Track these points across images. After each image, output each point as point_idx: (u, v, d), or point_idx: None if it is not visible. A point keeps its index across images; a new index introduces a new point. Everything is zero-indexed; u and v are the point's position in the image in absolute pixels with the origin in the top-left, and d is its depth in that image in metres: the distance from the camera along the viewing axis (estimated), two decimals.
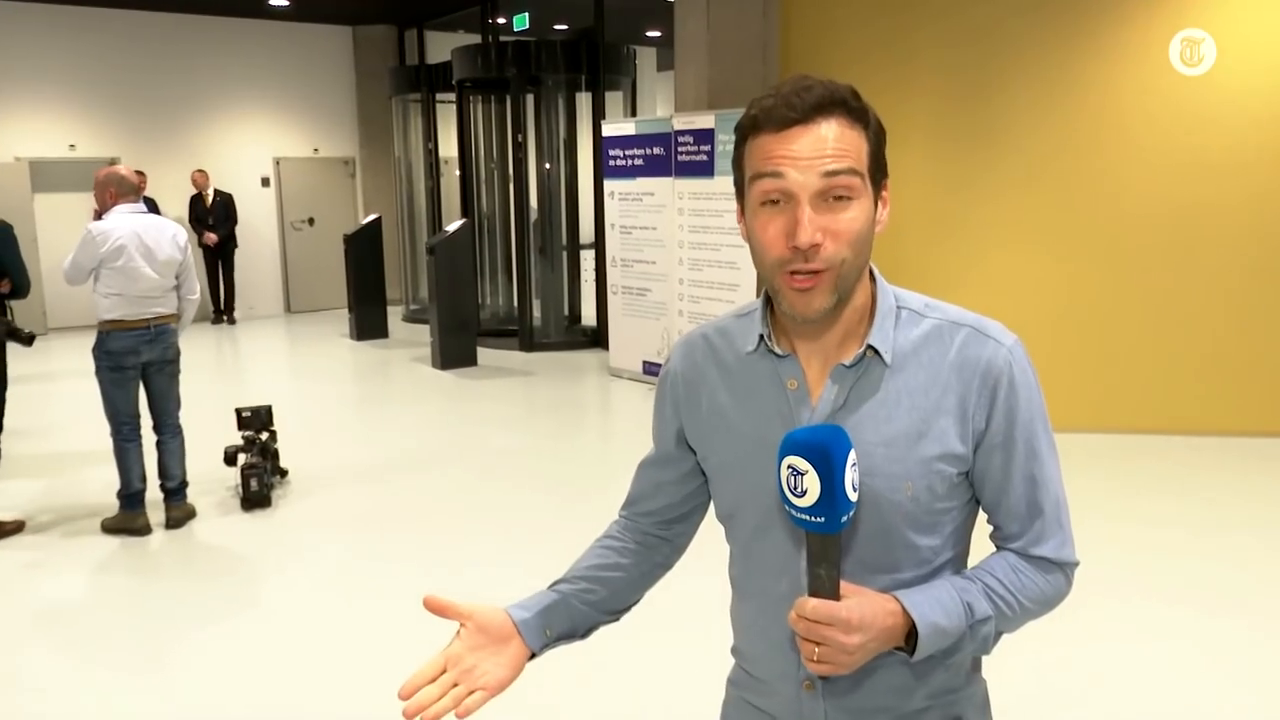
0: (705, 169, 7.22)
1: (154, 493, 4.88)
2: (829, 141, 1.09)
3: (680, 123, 7.39)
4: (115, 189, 4.63)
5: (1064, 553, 1.20)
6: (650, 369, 7.95)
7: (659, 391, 1.38)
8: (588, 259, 10.30)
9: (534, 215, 10.11)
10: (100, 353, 4.62)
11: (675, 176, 7.49)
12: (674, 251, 7.58)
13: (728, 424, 1.26)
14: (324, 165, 13.04)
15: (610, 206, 8.25)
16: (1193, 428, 5.96)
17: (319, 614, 3.93)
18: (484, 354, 9.17)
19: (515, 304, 10.21)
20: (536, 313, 9.95)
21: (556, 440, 6.64)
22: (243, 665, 3.52)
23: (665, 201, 7.65)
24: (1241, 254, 5.78)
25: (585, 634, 1.42)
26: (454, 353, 8.83)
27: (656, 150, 7.69)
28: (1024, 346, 1.20)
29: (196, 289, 4.85)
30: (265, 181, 12.61)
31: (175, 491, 4.88)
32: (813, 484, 1.04)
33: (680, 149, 7.41)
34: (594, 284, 9.89)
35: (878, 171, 1.15)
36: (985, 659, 1.28)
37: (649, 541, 1.47)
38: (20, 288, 4.80)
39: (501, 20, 11.27)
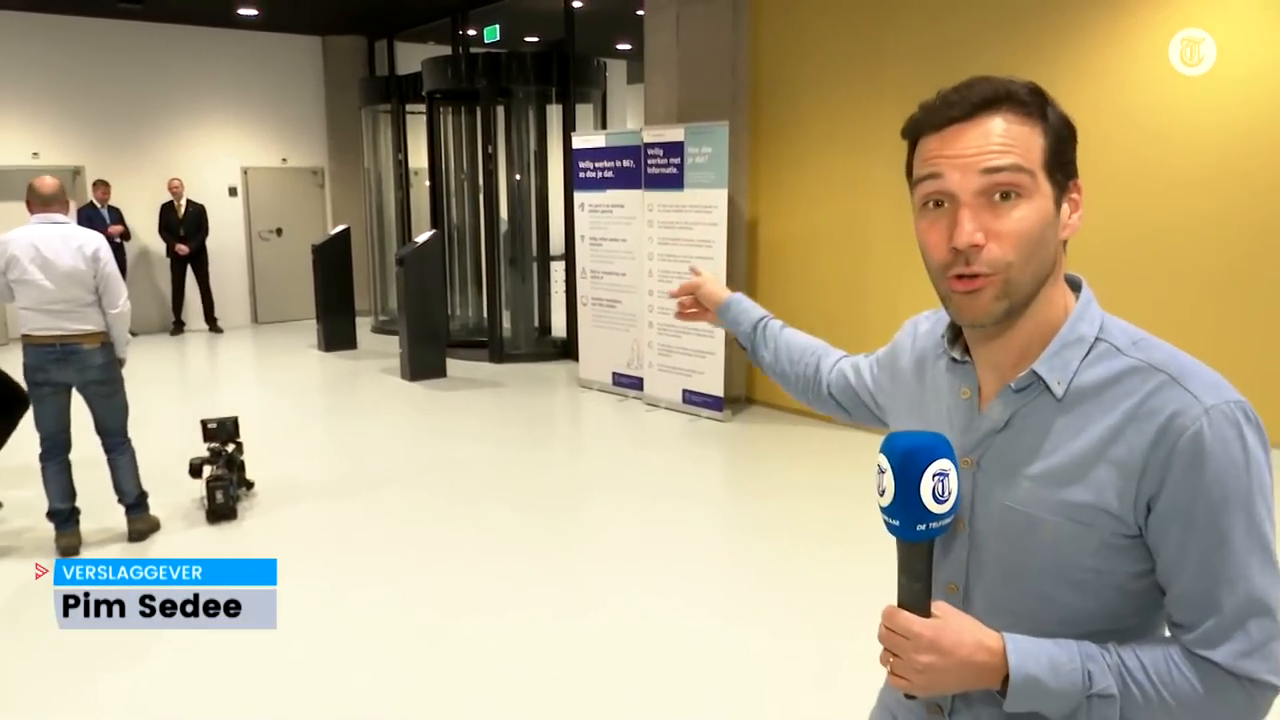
0: (675, 181, 7.26)
1: (116, 508, 4.81)
2: (992, 137, 1.03)
3: (650, 135, 7.43)
4: (30, 199, 4.53)
5: (1244, 664, 1.00)
6: (620, 380, 7.97)
7: (894, 342, 1.41)
8: (558, 270, 10.30)
9: (504, 226, 10.10)
10: (23, 368, 4.54)
11: (645, 189, 7.52)
12: (643, 263, 7.61)
13: (918, 419, 1.24)
14: (293, 175, 12.96)
15: (580, 218, 8.27)
16: None
17: (283, 629, 3.90)
18: (453, 365, 9.15)
19: (485, 315, 10.19)
20: (506, 324, 9.94)
21: (526, 451, 6.63)
22: (201, 681, 3.48)
23: (635, 214, 7.68)
24: (1241, 257, 5.75)
25: (744, 338, 1.72)
26: (423, 364, 8.80)
27: (626, 163, 7.73)
28: (1245, 410, 1.01)
29: (119, 301, 4.55)
30: (233, 191, 12.52)
31: (133, 506, 4.78)
32: (889, 484, 1.02)
33: (650, 162, 7.45)
34: (564, 295, 9.89)
35: (1058, 170, 1.06)
36: None
37: (813, 380, 1.61)
38: None
39: (472, 32, 11.27)
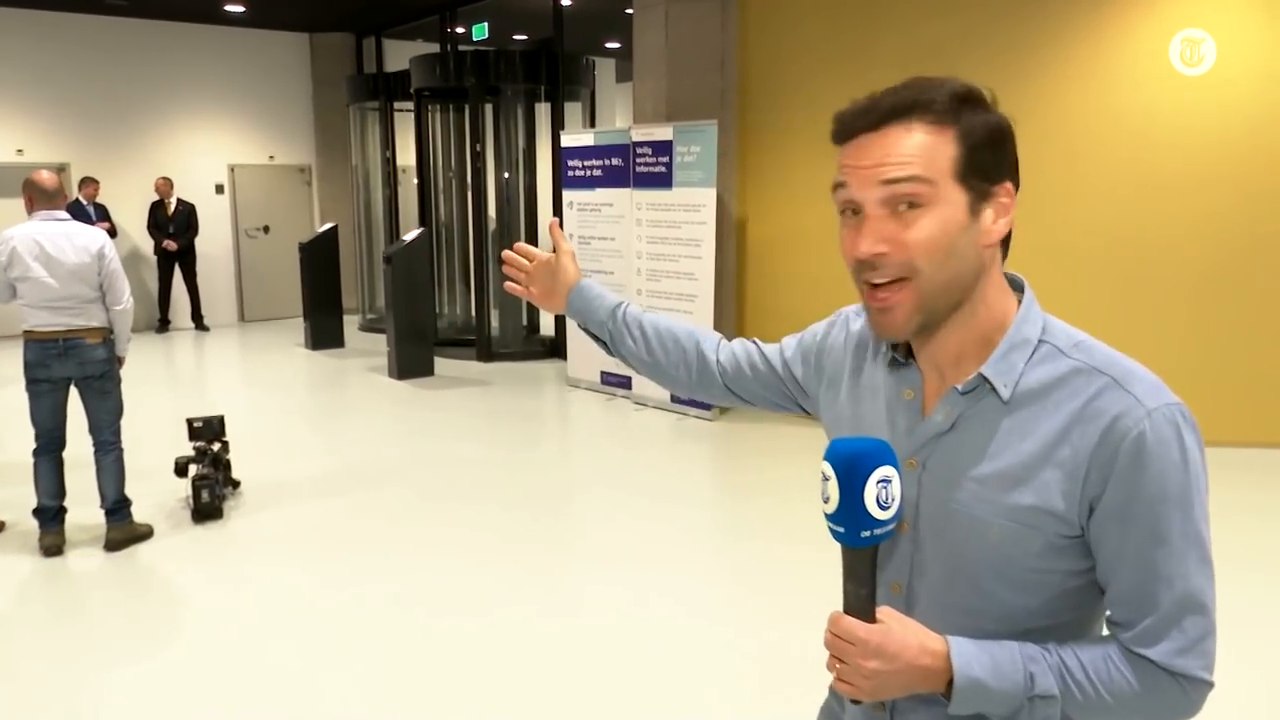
0: (664, 180, 7.26)
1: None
2: (894, 149, 1.03)
3: (639, 134, 7.43)
4: (32, 195, 4.52)
5: (1179, 662, 1.03)
6: (608, 379, 7.96)
7: (825, 330, 1.36)
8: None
9: (492, 225, 10.09)
10: (23, 363, 4.54)
11: (634, 188, 7.52)
12: (632, 262, 7.61)
13: (854, 417, 1.23)
14: (280, 173, 12.91)
15: (569, 217, 8.26)
16: None
17: (268, 629, 3.89)
18: (441, 364, 9.13)
19: (473, 314, 10.18)
20: (494, 323, 9.92)
21: (514, 450, 6.62)
22: (183, 681, 3.47)
23: (623, 212, 7.68)
24: (1241, 258, 5.77)
25: (599, 330, 1.54)
26: (411, 362, 8.78)
27: (615, 161, 7.72)
28: (1183, 413, 1.03)
29: (123, 299, 4.58)
30: (220, 188, 12.46)
31: (112, 512, 4.71)
32: (833, 491, 1.02)
33: (639, 160, 7.45)
34: None
35: (974, 175, 1.04)
36: None
37: (698, 365, 1.48)
38: None
39: (460, 30, 11.25)
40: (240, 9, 11.24)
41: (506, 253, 1.62)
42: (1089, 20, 5.92)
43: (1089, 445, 1.02)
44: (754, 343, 1.46)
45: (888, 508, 1.03)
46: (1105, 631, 1.12)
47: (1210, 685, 1.05)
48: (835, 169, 1.10)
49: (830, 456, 1.03)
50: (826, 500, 1.03)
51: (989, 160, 1.06)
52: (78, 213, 10.30)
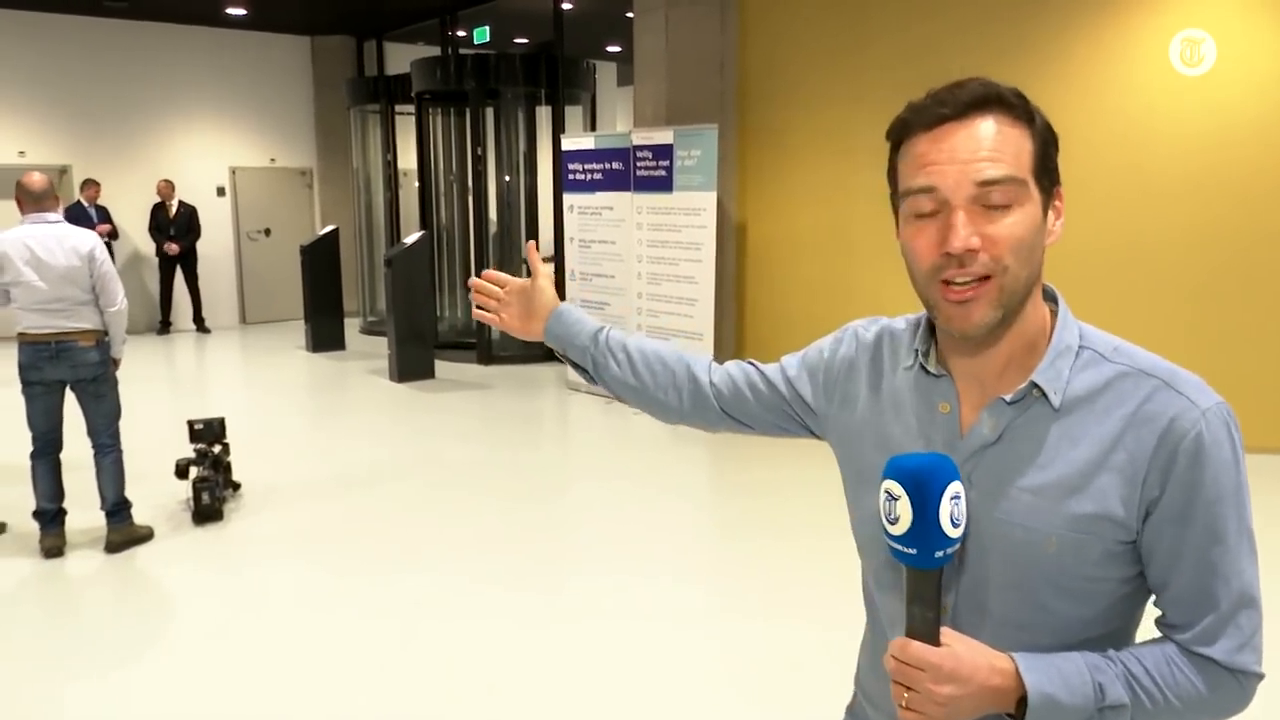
0: (664, 184, 7.27)
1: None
2: (985, 142, 1.01)
3: (639, 138, 7.44)
4: (20, 198, 4.50)
5: (1239, 659, 1.03)
6: None
7: (833, 347, 1.30)
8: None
9: (493, 228, 10.10)
10: (17, 366, 4.54)
11: (634, 191, 7.53)
12: (632, 265, 7.62)
13: (875, 435, 1.19)
14: (281, 175, 12.93)
15: (570, 220, 8.27)
16: None
17: (269, 631, 3.89)
18: (442, 367, 9.14)
19: (473, 317, 10.17)
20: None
21: (513, 453, 6.63)
22: (181, 683, 3.47)
23: (624, 216, 7.69)
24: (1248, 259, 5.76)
25: (580, 356, 1.46)
26: (411, 365, 8.79)
27: (615, 165, 7.74)
28: (1229, 411, 1.03)
29: (117, 301, 4.55)
30: (221, 191, 12.48)
31: (111, 514, 4.70)
32: (904, 511, 0.98)
33: (639, 164, 7.46)
34: None
35: (1044, 177, 1.04)
36: None
37: (690, 388, 1.39)
38: None
39: (462, 33, 11.27)
40: (241, 12, 11.26)
41: (474, 280, 1.54)
42: (1089, 20, 5.94)
43: (1146, 449, 1.01)
44: (751, 363, 1.39)
45: (959, 525, 0.99)
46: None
47: (1262, 677, 1.05)
48: (908, 163, 1.05)
49: (897, 475, 0.99)
50: (894, 521, 0.99)
51: (1053, 161, 1.06)
52: (79, 215, 10.39)
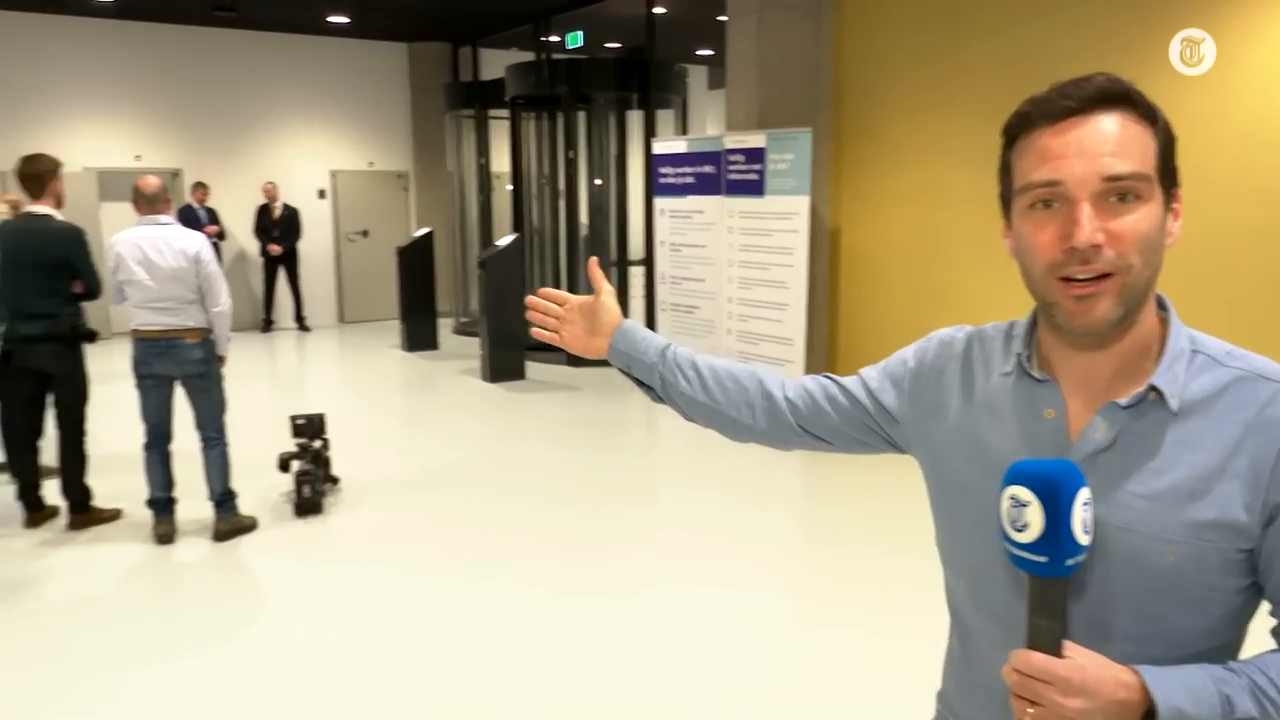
0: (755, 188, 7.24)
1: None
2: (1111, 137, 0.99)
3: (731, 141, 7.43)
4: (136, 200, 4.74)
5: None
6: None
7: (918, 356, 1.27)
8: (636, 275, 10.37)
9: (584, 231, 10.20)
10: (131, 360, 4.76)
11: (725, 195, 7.53)
12: (723, 270, 7.61)
13: (970, 444, 1.15)
14: (379, 179, 13.27)
15: (660, 224, 8.30)
16: None
17: (354, 627, 4.00)
18: (532, 368, 9.26)
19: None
20: None
21: (599, 455, 6.68)
22: (266, 672, 3.59)
23: (715, 219, 7.69)
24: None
25: (647, 373, 1.43)
26: (503, 366, 8.93)
27: (707, 168, 7.74)
28: None
29: (221, 301, 4.74)
30: (322, 194, 12.87)
31: (218, 504, 4.91)
32: (1035, 518, 0.95)
33: (731, 167, 7.45)
34: (642, 300, 9.94)
35: (1166, 176, 1.03)
36: None
37: (763, 404, 1.36)
38: (92, 290, 4.96)
39: (555, 38, 11.40)
40: (343, 20, 11.59)
41: (531, 298, 1.52)
42: (1209, 19, 5.73)
43: (1269, 454, 0.99)
44: (828, 377, 1.36)
45: (1089, 532, 0.97)
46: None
47: None
48: (1030, 157, 1.04)
49: (1025, 480, 0.97)
50: (1022, 528, 0.97)
51: (1174, 162, 1.05)
52: (190, 217, 10.83)
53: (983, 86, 6.27)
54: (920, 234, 6.95)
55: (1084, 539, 0.96)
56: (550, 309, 1.50)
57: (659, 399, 1.44)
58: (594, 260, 1.54)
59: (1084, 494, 0.97)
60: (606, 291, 1.47)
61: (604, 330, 1.45)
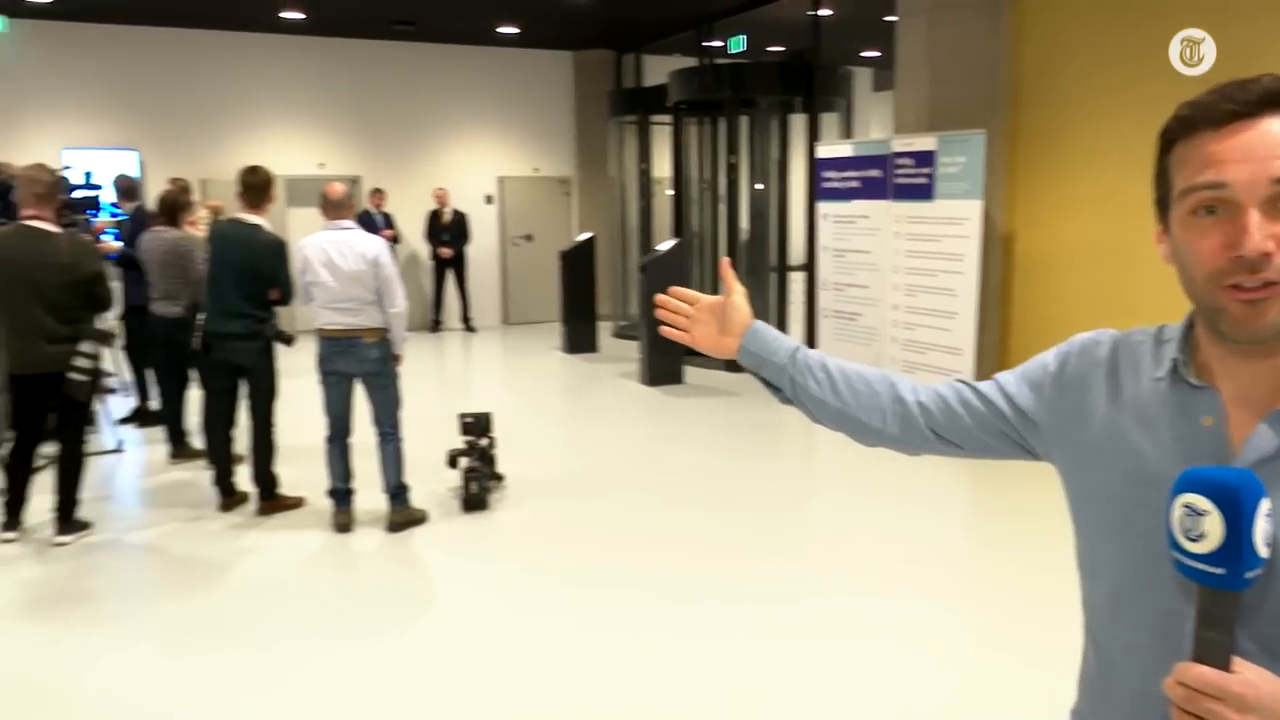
0: (924, 192, 7.04)
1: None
2: (1279, 140, 0.96)
3: (899, 144, 7.25)
4: (324, 206, 5.01)
5: None
6: None
7: (1059, 360, 1.23)
8: (796, 281, 10.25)
9: (744, 236, 10.15)
10: (316, 358, 5.01)
11: (892, 199, 7.35)
12: (888, 276, 7.43)
13: (1117, 450, 1.12)
14: (543, 184, 13.60)
15: (823, 229, 8.18)
16: None
17: (515, 624, 4.08)
18: (691, 372, 9.27)
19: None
20: None
21: (757, 461, 6.63)
22: (432, 659, 3.70)
23: (880, 225, 7.51)
24: None
25: (777, 374, 1.43)
26: (661, 370, 8.98)
27: (873, 172, 7.57)
28: None
29: (398, 302, 4.93)
30: (489, 199, 13.29)
31: (392, 497, 5.13)
32: (1214, 528, 0.92)
33: (898, 171, 7.26)
34: (802, 306, 9.82)
35: None
36: None
37: (895, 409, 1.35)
38: (287, 296, 5.27)
39: (717, 43, 11.41)
40: (513, 30, 11.94)
41: (660, 296, 1.53)
42: None
43: None
44: (962, 381, 1.33)
45: (1270, 545, 0.94)
46: None
47: None
48: (1193, 162, 1.01)
49: (1202, 489, 0.93)
50: (1198, 538, 0.93)
51: None
52: (368, 221, 11.36)
53: (1175, 89, 5.89)
54: (1102, 241, 6.59)
55: (1264, 551, 0.92)
56: (680, 308, 1.52)
57: (787, 400, 1.45)
58: (725, 260, 1.55)
59: (1265, 505, 0.92)
60: (737, 291, 1.47)
61: (734, 330, 1.46)
